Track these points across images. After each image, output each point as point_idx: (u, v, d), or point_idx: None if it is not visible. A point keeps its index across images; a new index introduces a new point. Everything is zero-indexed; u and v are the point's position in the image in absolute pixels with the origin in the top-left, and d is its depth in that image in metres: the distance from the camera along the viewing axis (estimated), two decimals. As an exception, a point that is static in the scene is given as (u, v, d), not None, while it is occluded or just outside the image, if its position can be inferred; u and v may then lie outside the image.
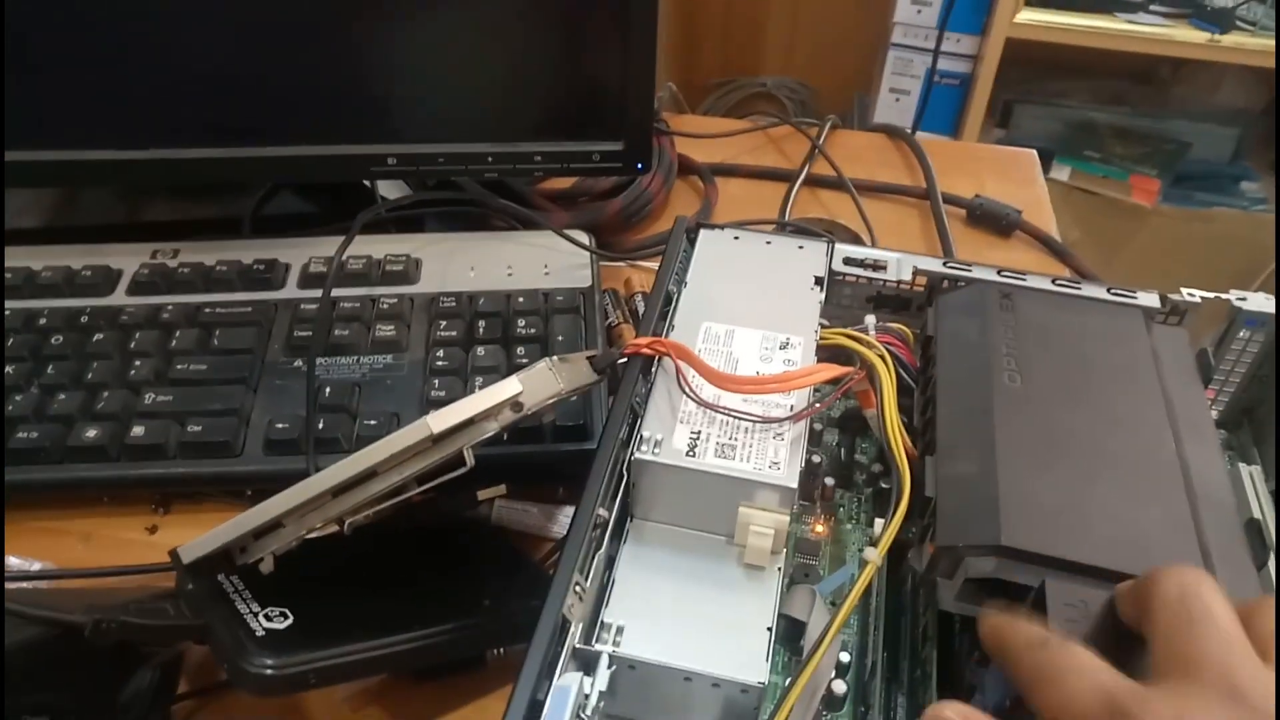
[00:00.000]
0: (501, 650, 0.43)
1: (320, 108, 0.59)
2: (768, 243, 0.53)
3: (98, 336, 0.56)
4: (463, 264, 0.62)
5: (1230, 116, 1.62)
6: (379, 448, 0.36)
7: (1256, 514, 0.43)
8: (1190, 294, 0.48)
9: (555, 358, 0.41)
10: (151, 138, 0.59)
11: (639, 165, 0.62)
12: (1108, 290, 0.49)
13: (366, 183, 0.68)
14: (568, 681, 0.33)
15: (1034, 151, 0.84)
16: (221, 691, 0.44)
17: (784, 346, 0.46)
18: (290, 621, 0.36)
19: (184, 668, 0.44)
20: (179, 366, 0.55)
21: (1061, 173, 1.60)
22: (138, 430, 0.51)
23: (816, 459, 0.49)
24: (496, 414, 0.37)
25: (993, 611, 0.33)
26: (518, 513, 0.50)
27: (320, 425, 0.51)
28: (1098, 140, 1.59)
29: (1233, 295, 0.48)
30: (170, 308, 0.58)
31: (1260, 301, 0.48)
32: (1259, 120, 1.64)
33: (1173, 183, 1.57)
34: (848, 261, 0.52)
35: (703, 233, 0.53)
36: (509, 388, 0.37)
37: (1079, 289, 0.49)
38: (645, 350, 0.44)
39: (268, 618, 0.36)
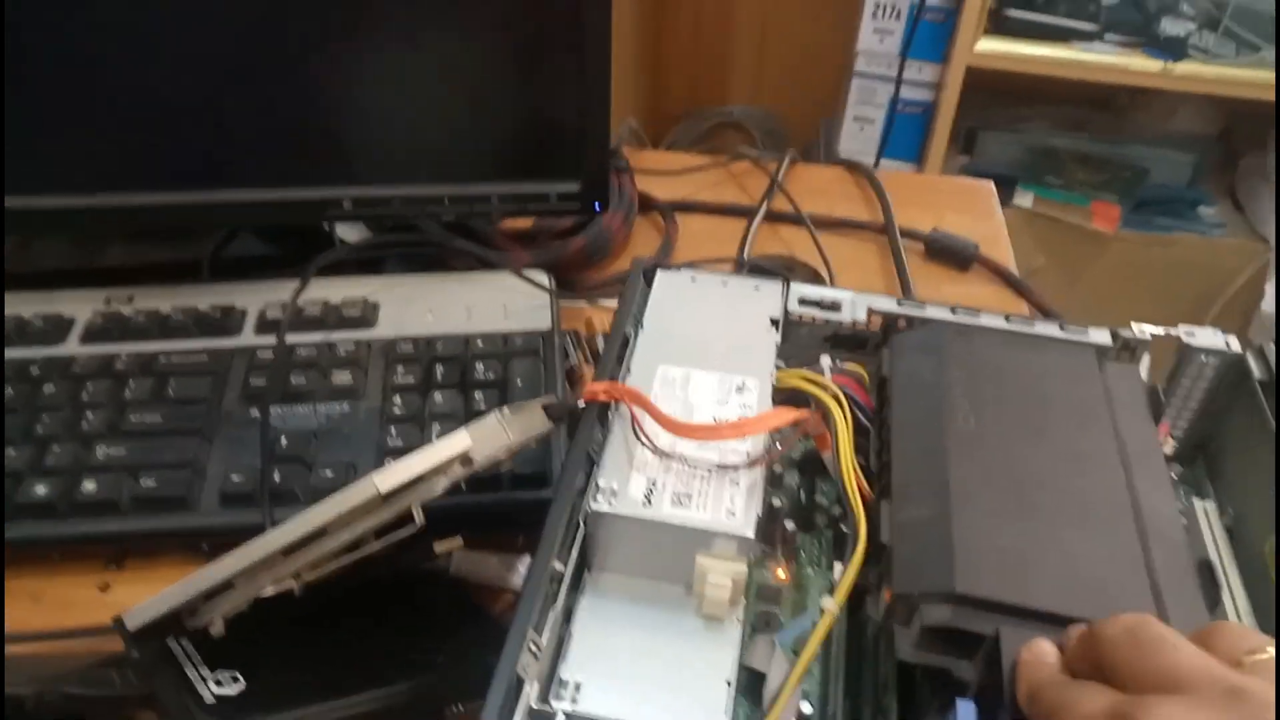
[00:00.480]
0: (460, 706, 0.42)
1: (275, 151, 0.59)
2: (724, 283, 0.53)
3: (48, 388, 0.55)
4: (421, 307, 0.62)
5: (1187, 142, 1.65)
6: (327, 507, 0.35)
7: (1211, 550, 0.43)
8: (1141, 330, 0.49)
9: (507, 408, 0.40)
10: (102, 182, 0.59)
11: (596, 205, 0.62)
12: (1060, 327, 0.49)
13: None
14: (524, 742, 0.32)
15: (991, 183, 0.86)
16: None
17: (740, 390, 0.46)
18: (242, 686, 0.36)
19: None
20: (132, 418, 0.54)
21: (1025, 199, 1.62)
22: (89, 486, 0.50)
23: (777, 503, 0.49)
24: (446, 470, 0.36)
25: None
26: (476, 563, 0.49)
27: (276, 478, 0.51)
28: (1059, 166, 1.61)
29: (1182, 331, 0.49)
30: (124, 357, 0.58)
31: (1209, 337, 0.49)
32: (1214, 146, 1.67)
33: (1133, 209, 1.59)
34: (803, 302, 0.52)
35: (659, 274, 0.53)
36: (457, 443, 0.37)
37: (1032, 328, 0.49)
38: (602, 397, 0.44)
39: (218, 682, 0.36)
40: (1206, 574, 0.41)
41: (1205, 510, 0.47)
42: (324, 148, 0.59)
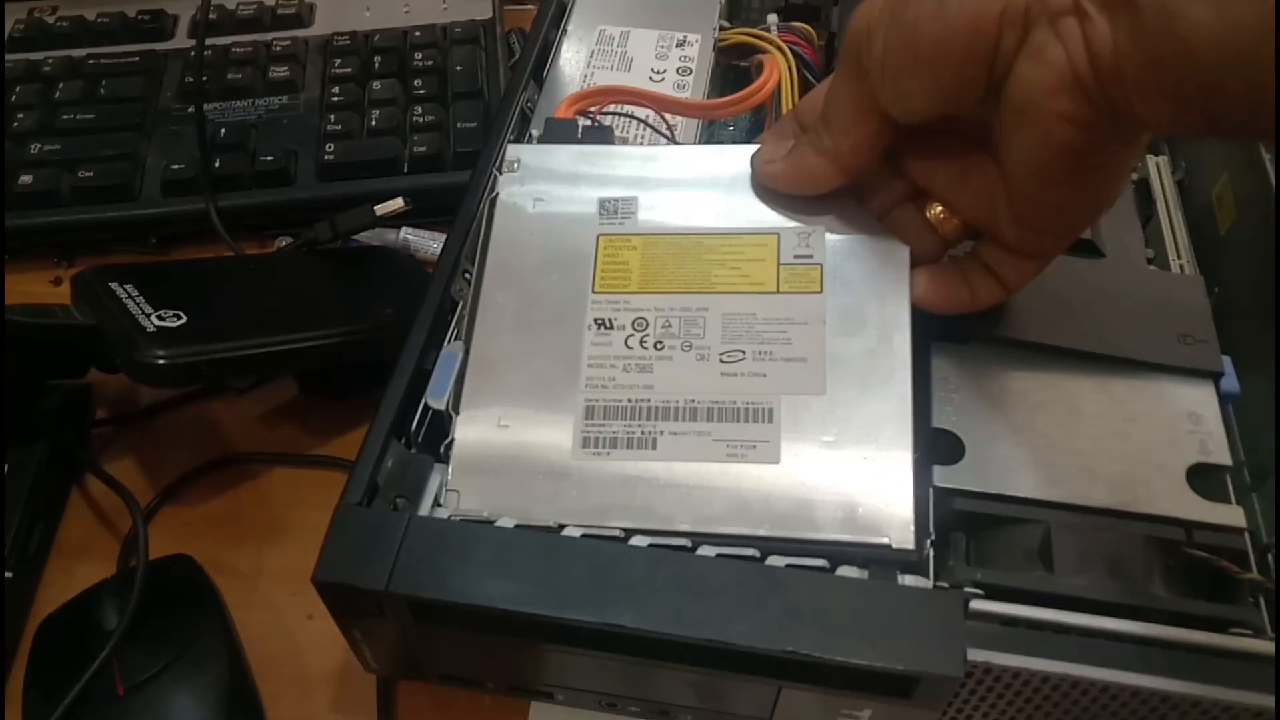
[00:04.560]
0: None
1: None
2: (667, -53, 0.50)
3: (-28, 91, 0.53)
4: (358, 5, 0.59)
5: None
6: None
7: (1156, 191, 0.43)
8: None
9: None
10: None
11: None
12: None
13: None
14: (454, 349, 0.33)
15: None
16: (140, 419, 0.44)
17: (680, 44, 0.45)
18: (184, 321, 0.36)
19: (100, 399, 0.45)
20: (64, 117, 0.52)
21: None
22: (25, 179, 0.49)
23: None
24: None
25: None
26: (424, 241, 0.49)
27: (217, 164, 0.50)
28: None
29: None
30: (51, 61, 0.55)
31: None
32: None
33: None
34: (751, -38, 0.50)
35: (600, -60, 0.50)
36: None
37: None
38: (580, 107, 0.39)
39: (160, 318, 0.36)
40: (1143, 191, 0.41)
41: (1157, 165, 0.47)
42: None
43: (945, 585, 0.28)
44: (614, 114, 0.41)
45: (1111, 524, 0.29)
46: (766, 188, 0.33)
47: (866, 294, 0.31)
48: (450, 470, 0.30)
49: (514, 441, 0.30)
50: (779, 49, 0.44)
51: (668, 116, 0.41)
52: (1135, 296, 0.34)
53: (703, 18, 0.46)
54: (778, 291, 0.32)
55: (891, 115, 0.28)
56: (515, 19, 0.63)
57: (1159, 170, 0.43)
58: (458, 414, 0.31)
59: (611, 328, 0.32)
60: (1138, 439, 0.31)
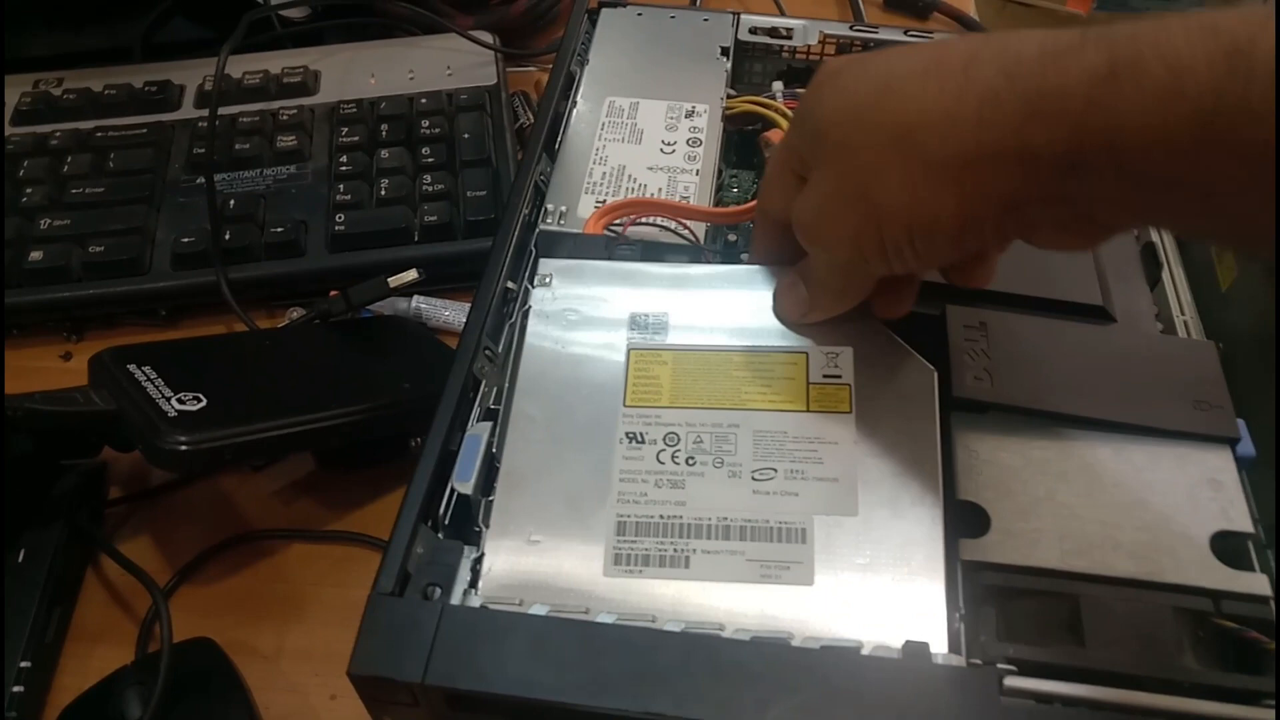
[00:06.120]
0: (423, 439, 0.43)
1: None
2: (672, 17, 0.51)
3: (-19, 168, 0.53)
4: (363, 73, 0.60)
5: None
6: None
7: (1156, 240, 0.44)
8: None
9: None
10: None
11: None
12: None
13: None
14: (479, 431, 0.33)
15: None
16: (154, 496, 0.44)
17: (689, 115, 0.45)
18: (204, 404, 0.36)
19: (113, 477, 0.44)
20: (74, 191, 0.53)
21: (995, -17, 1.56)
22: (35, 255, 0.49)
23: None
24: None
25: None
26: (436, 309, 0.49)
27: (227, 236, 0.50)
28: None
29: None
30: (58, 135, 0.56)
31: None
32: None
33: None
34: (754, 31, 0.51)
35: (604, 12, 0.51)
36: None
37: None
38: (608, 219, 0.40)
39: (180, 401, 0.36)
40: (1149, 255, 0.41)
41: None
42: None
43: (978, 662, 0.28)
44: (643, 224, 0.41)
45: (1139, 595, 0.29)
46: None
47: (895, 415, 0.32)
48: (480, 588, 0.30)
49: (544, 560, 0.30)
50: (785, 117, 0.45)
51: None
52: (1149, 363, 0.35)
53: (708, 87, 0.47)
54: (808, 410, 0.32)
55: None
56: (517, 81, 0.64)
57: (1160, 232, 0.44)
58: (488, 527, 0.31)
59: (643, 442, 0.32)
60: (1159, 507, 0.31)
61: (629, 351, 0.34)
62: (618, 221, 0.40)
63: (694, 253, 0.39)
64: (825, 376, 0.33)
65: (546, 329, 0.35)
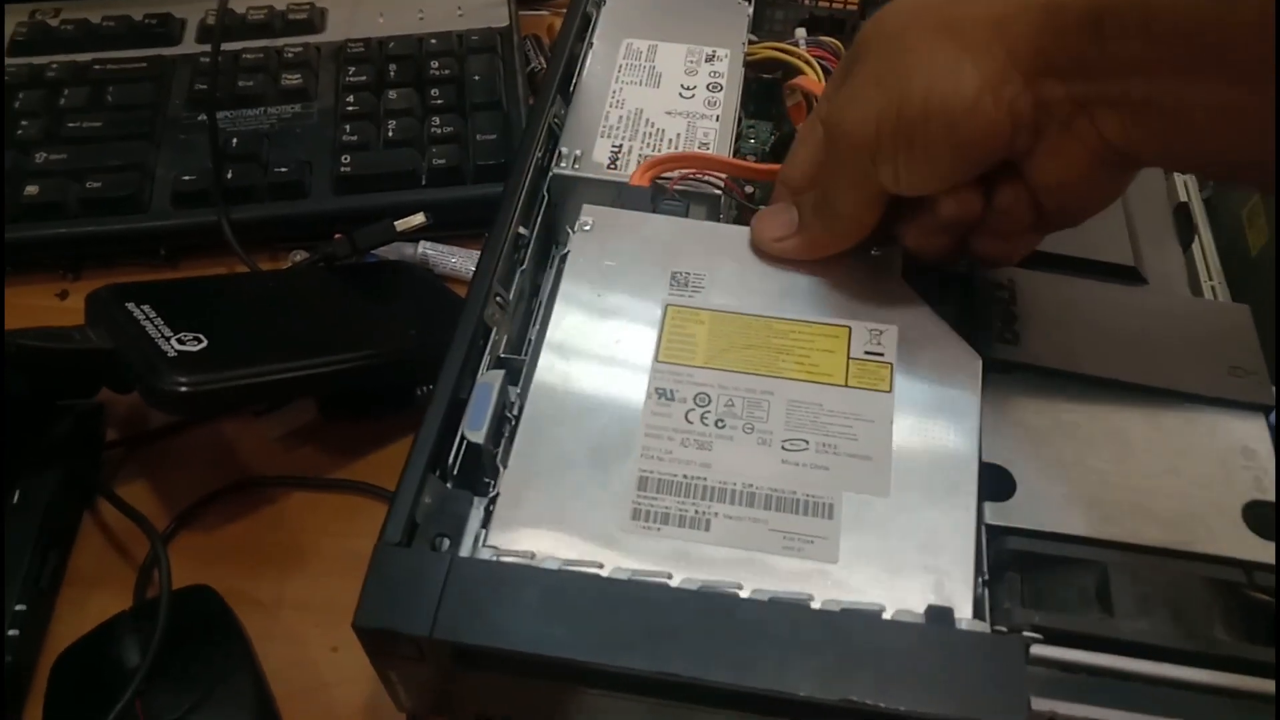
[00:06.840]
0: (430, 387, 0.42)
1: None
2: (692, -40, 0.49)
3: (-28, 100, 0.52)
4: (371, 11, 0.58)
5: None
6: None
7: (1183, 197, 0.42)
8: None
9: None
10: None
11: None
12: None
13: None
14: (490, 379, 0.32)
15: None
16: (153, 440, 0.43)
17: (710, 59, 0.44)
18: (204, 345, 0.35)
19: (110, 419, 0.43)
20: (70, 124, 0.51)
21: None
22: (31, 189, 0.48)
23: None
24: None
25: None
26: (442, 255, 0.48)
27: (229, 175, 0.49)
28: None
29: None
30: (55, 66, 0.54)
31: None
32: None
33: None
34: (778, -25, 0.49)
35: (623, -48, 0.49)
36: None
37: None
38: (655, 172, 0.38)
39: (180, 341, 0.35)
40: (1182, 216, 0.40)
41: (1185, 183, 0.46)
42: None
43: (1003, 629, 0.27)
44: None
45: (1169, 564, 0.29)
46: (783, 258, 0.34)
47: (936, 401, 0.31)
48: (491, 532, 0.29)
49: (563, 508, 0.29)
50: (809, 64, 0.43)
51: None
52: (1182, 326, 0.34)
53: (730, 31, 0.45)
54: (846, 385, 0.31)
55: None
56: (530, 25, 0.62)
57: (1188, 189, 0.43)
58: (505, 468, 0.30)
59: (673, 399, 0.31)
60: (1191, 475, 0.30)
61: (666, 307, 0.33)
62: (666, 175, 0.38)
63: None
64: (867, 353, 0.32)
65: (583, 275, 0.34)
